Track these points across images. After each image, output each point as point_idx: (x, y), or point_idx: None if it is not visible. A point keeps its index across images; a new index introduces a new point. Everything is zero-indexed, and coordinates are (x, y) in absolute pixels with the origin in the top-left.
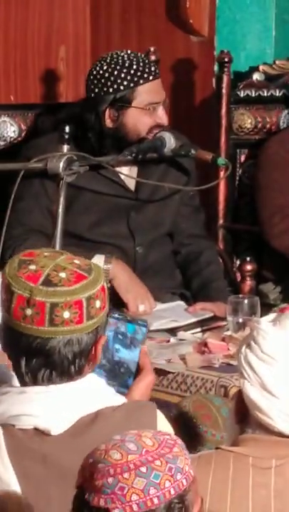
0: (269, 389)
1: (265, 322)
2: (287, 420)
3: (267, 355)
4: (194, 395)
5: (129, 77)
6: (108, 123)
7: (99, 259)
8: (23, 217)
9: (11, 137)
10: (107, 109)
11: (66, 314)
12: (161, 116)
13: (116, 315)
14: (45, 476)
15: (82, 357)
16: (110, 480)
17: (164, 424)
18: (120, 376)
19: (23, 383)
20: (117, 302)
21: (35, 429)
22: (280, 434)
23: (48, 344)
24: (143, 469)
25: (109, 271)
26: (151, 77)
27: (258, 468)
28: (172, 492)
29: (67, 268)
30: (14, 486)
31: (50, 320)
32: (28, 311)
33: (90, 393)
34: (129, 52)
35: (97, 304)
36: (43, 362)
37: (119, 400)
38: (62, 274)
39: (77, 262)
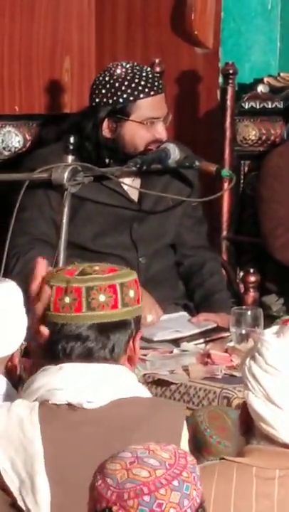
0: (273, 400)
1: (269, 334)
2: None
3: (271, 367)
4: (210, 406)
5: (129, 90)
6: (106, 133)
7: None
8: (27, 227)
9: (15, 147)
10: (106, 120)
11: (102, 297)
12: (160, 131)
13: None
14: (71, 442)
15: (118, 344)
16: (147, 498)
17: (185, 427)
18: None
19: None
20: None
21: (69, 404)
22: (285, 445)
23: (85, 328)
24: (175, 483)
25: None
26: (152, 92)
27: (262, 479)
28: (198, 500)
29: (101, 265)
30: (37, 444)
31: (88, 304)
32: (67, 299)
33: (123, 380)
34: (135, 64)
35: (131, 293)
36: (81, 346)
37: (148, 394)
38: (96, 267)
39: (108, 265)
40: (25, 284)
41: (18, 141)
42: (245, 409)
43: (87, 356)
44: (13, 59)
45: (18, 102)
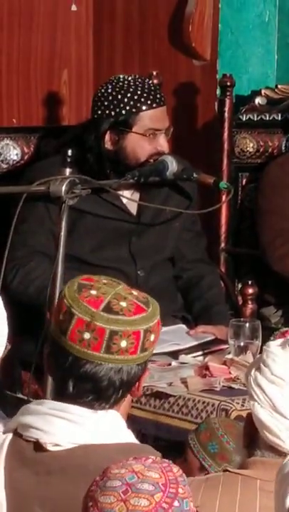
0: (279, 410)
1: (274, 345)
2: None
3: (277, 377)
4: (219, 418)
5: (132, 102)
6: (108, 145)
7: None
8: (26, 239)
9: (13, 160)
10: (108, 132)
11: (123, 343)
12: (162, 143)
13: None
14: (32, 486)
15: (127, 387)
16: None
17: None
18: None
19: (61, 400)
20: None
21: (36, 442)
22: None
23: (99, 370)
24: (176, 504)
25: None
26: (154, 105)
27: (266, 492)
28: (195, 510)
29: (128, 298)
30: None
31: (107, 347)
32: (86, 335)
33: (106, 427)
34: (136, 77)
35: (152, 337)
36: (90, 387)
37: (131, 440)
38: (123, 304)
39: (135, 293)
40: (24, 296)
41: (16, 154)
42: (249, 420)
43: (92, 401)
44: (11, 71)
45: (16, 114)
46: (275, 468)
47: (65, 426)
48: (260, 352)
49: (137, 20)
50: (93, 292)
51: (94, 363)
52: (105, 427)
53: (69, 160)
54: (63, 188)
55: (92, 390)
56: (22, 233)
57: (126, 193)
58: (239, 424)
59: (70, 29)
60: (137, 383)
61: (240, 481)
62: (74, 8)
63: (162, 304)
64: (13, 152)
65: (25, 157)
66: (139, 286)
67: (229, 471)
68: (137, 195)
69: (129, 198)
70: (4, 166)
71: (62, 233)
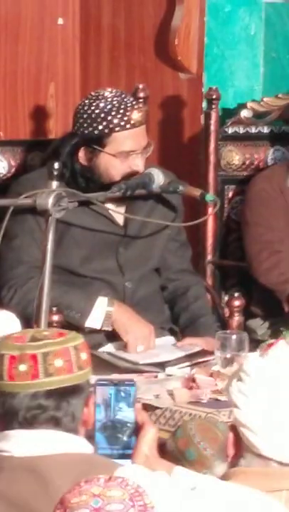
0: (269, 414)
1: (253, 355)
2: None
3: (257, 381)
4: (197, 419)
5: (105, 123)
6: (83, 161)
7: (102, 302)
8: (22, 255)
9: (0, 173)
10: (82, 148)
11: (58, 362)
12: (137, 163)
13: (101, 382)
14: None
15: (76, 410)
16: None
17: None
18: (121, 438)
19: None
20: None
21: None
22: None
23: (44, 396)
24: None
25: (111, 313)
26: (128, 126)
27: None
28: None
29: (49, 330)
30: None
31: (45, 370)
32: (22, 367)
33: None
34: (117, 93)
35: (83, 356)
36: (43, 414)
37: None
38: (46, 333)
39: (51, 329)
40: (23, 316)
41: (3, 167)
42: (234, 430)
43: (53, 425)
44: None
45: (3, 127)
46: (257, 478)
47: (19, 443)
48: None
49: (124, 34)
50: (16, 335)
51: (38, 392)
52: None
53: (55, 173)
54: (50, 200)
55: (46, 419)
56: (15, 249)
57: (111, 205)
58: (215, 425)
59: (56, 42)
60: (86, 409)
61: None
62: (61, 21)
63: (150, 315)
64: (0, 165)
65: (12, 170)
66: (126, 297)
67: None
68: (122, 207)
69: (115, 210)
70: None
71: (49, 246)
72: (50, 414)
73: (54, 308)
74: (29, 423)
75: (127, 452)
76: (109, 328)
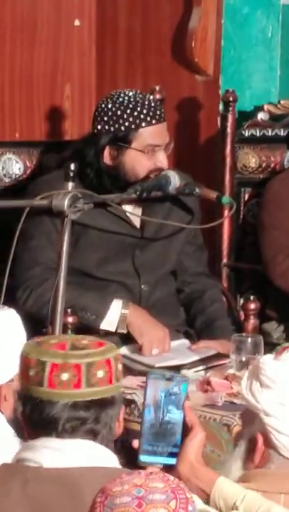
0: None
1: (268, 358)
2: None
3: (274, 383)
4: (204, 423)
5: (131, 119)
6: (107, 160)
7: (117, 304)
8: (38, 256)
9: (16, 174)
10: (107, 147)
11: (100, 373)
12: (162, 159)
13: (153, 374)
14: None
15: (113, 420)
16: None
17: None
18: (168, 436)
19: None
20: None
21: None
22: None
23: (86, 408)
24: (190, 508)
25: (126, 316)
26: (154, 121)
27: None
28: None
29: (85, 338)
30: None
31: (88, 381)
32: (64, 376)
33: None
34: (137, 92)
35: (119, 366)
36: (81, 427)
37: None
38: (85, 341)
39: (86, 336)
40: (38, 317)
41: (19, 168)
42: (262, 438)
43: (92, 436)
44: (13, 86)
45: (19, 129)
46: (276, 480)
47: (51, 454)
48: None
49: (140, 35)
50: (53, 341)
51: (79, 400)
52: (90, 454)
53: (71, 174)
54: (66, 202)
55: (84, 430)
56: (31, 250)
57: (128, 207)
58: (216, 428)
59: (72, 44)
60: (117, 419)
61: None
62: (77, 23)
63: (165, 318)
64: (16, 166)
65: (28, 171)
66: (142, 300)
67: None
68: (139, 210)
69: (132, 213)
70: (7, 180)
71: (65, 247)
72: (89, 425)
73: (69, 310)
74: (68, 433)
75: (173, 451)
76: (124, 331)
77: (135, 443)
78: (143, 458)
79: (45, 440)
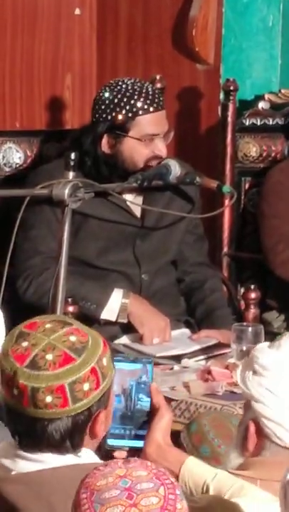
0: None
1: (261, 346)
2: None
3: (268, 371)
4: (210, 412)
5: (128, 107)
6: (105, 149)
7: (117, 294)
8: (39, 246)
9: (16, 163)
10: (105, 135)
11: (48, 399)
12: (160, 147)
13: (118, 357)
14: None
15: (74, 436)
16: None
17: None
18: (136, 419)
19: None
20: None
21: None
22: None
23: (36, 424)
24: (178, 491)
25: (127, 305)
26: (151, 109)
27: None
28: None
29: (57, 348)
30: None
31: (34, 403)
32: (15, 391)
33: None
34: (136, 80)
35: (85, 386)
36: (33, 441)
37: None
38: (49, 356)
39: (72, 339)
40: (38, 305)
41: (19, 158)
42: (253, 426)
43: (43, 452)
44: (14, 76)
45: (19, 118)
46: (274, 466)
47: (27, 464)
48: None
49: (141, 25)
50: (24, 344)
51: (30, 418)
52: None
53: (72, 163)
54: (66, 191)
55: (36, 444)
56: (32, 240)
57: (129, 197)
58: (229, 420)
59: (73, 33)
60: (91, 427)
61: None
62: (78, 12)
63: (165, 307)
64: (16, 155)
65: (28, 160)
66: (142, 289)
67: (229, 472)
68: (140, 199)
69: (132, 202)
70: (7, 169)
71: (65, 237)
72: (40, 440)
73: (69, 299)
74: (50, 445)
75: (139, 433)
76: (125, 320)
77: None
78: (110, 442)
79: (22, 452)
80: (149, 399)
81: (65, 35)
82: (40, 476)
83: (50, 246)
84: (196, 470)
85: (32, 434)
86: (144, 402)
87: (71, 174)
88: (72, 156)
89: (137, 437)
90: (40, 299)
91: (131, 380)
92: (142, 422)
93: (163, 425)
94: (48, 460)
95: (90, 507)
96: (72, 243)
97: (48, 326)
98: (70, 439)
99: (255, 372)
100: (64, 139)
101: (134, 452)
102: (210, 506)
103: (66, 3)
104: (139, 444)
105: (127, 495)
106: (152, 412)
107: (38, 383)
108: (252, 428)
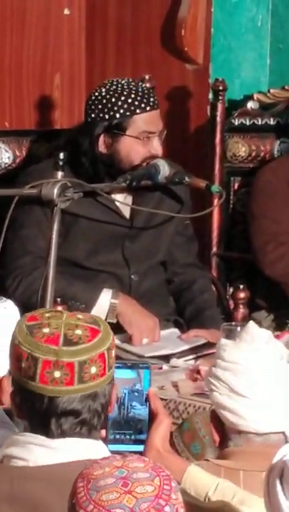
0: (236, 390)
1: (224, 340)
2: (258, 417)
3: (229, 363)
4: (205, 412)
5: (126, 106)
6: (102, 149)
7: (106, 294)
8: (28, 245)
9: (5, 163)
10: (102, 135)
11: (93, 369)
12: (156, 146)
13: (117, 364)
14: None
15: (106, 408)
16: (168, 509)
17: None
18: (134, 424)
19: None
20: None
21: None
22: (262, 445)
23: (79, 402)
24: (173, 484)
25: (116, 305)
26: (148, 107)
27: (249, 484)
28: None
29: (79, 325)
30: None
31: (80, 378)
32: (57, 374)
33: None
34: (130, 80)
35: (113, 353)
36: (74, 420)
37: None
38: (78, 332)
39: (80, 316)
40: (28, 305)
41: (8, 157)
42: (214, 415)
43: (80, 431)
44: (3, 75)
45: (9, 118)
46: (255, 457)
47: (44, 452)
48: None
49: (130, 24)
50: (46, 330)
51: (71, 398)
52: (80, 449)
53: (61, 163)
54: (55, 191)
55: (77, 423)
56: (22, 239)
57: (119, 197)
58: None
59: (62, 33)
60: (110, 398)
61: (223, 473)
62: (67, 11)
63: (154, 307)
64: (5, 155)
65: (17, 160)
66: (132, 290)
67: (210, 461)
68: (129, 199)
69: (122, 202)
70: None
71: (54, 236)
72: (80, 418)
73: (58, 299)
74: (58, 428)
75: (139, 438)
76: (114, 321)
77: (102, 432)
78: (110, 447)
79: (32, 436)
80: (142, 407)
81: (54, 35)
82: (63, 471)
83: (40, 246)
84: (198, 480)
85: (74, 413)
86: (137, 410)
87: (60, 174)
88: (62, 156)
89: (137, 442)
90: (29, 299)
91: (124, 389)
92: (141, 426)
93: (161, 431)
94: (68, 447)
95: (86, 494)
96: (62, 244)
97: (47, 314)
98: (104, 414)
99: (215, 365)
100: (53, 138)
101: None
102: (218, 508)
103: (55, 3)
104: (139, 448)
105: (122, 483)
106: (151, 417)
107: (83, 357)
108: (213, 418)
